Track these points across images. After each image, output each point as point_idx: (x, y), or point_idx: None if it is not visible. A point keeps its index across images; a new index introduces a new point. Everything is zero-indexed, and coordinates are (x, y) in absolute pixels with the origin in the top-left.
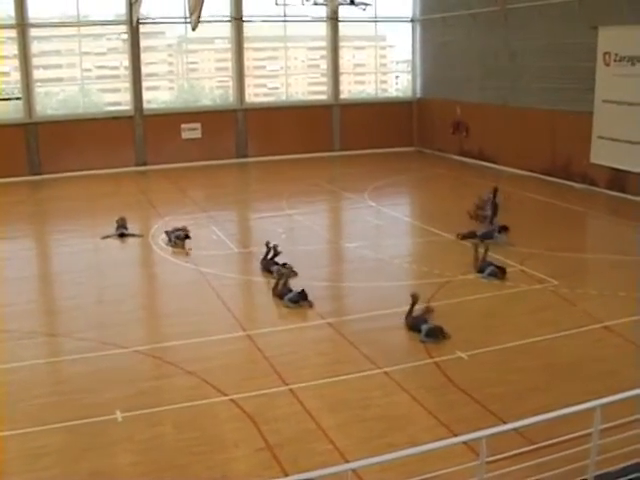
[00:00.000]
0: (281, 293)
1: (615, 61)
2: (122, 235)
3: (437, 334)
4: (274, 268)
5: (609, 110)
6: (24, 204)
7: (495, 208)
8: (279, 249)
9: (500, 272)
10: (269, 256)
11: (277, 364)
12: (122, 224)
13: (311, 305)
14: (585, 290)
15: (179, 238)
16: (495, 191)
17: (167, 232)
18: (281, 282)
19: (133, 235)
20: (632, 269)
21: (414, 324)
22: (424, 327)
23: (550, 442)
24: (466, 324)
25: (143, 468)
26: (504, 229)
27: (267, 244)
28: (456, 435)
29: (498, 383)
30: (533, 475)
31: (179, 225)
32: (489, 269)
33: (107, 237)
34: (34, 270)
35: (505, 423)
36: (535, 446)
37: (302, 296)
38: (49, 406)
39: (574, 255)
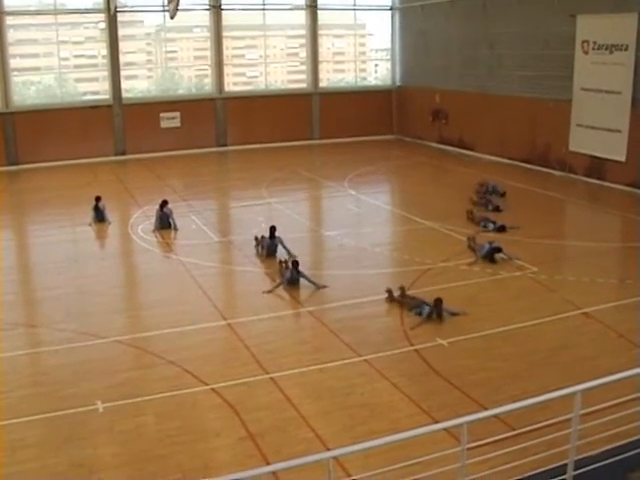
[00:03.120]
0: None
1: (593, 49)
2: (97, 212)
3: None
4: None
5: (588, 98)
6: (2, 194)
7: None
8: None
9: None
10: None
11: (258, 353)
12: (98, 204)
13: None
14: (564, 277)
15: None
16: (503, 194)
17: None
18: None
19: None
20: (610, 256)
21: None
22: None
23: (531, 428)
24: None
25: (124, 458)
26: (502, 228)
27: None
28: (438, 422)
29: (479, 370)
30: (514, 460)
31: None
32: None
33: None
34: (13, 261)
35: (486, 409)
36: (516, 432)
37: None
38: (29, 397)
39: (553, 242)
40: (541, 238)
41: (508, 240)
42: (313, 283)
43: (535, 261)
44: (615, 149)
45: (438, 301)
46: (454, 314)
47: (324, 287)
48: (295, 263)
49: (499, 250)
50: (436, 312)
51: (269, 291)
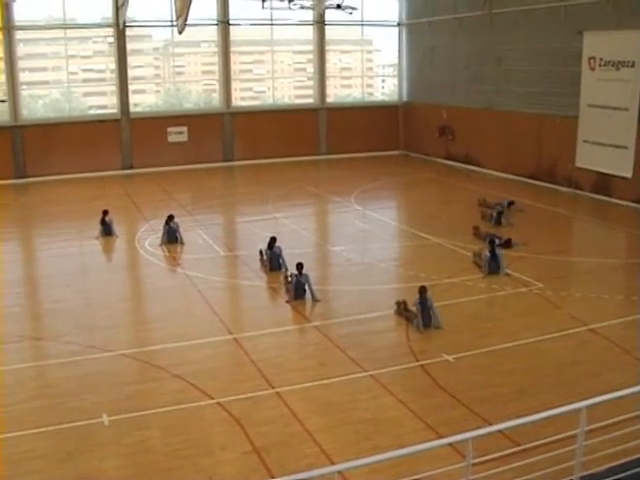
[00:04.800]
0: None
1: (600, 66)
2: (104, 226)
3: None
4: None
5: (594, 114)
6: (9, 207)
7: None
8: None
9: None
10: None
11: (264, 367)
12: (105, 218)
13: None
14: (570, 293)
15: None
16: (511, 202)
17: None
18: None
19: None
20: (616, 272)
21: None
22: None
23: (536, 443)
24: (452, 327)
25: (129, 472)
26: (508, 243)
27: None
28: (443, 437)
29: (484, 386)
30: (519, 476)
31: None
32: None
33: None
34: (20, 273)
35: (491, 425)
36: (521, 447)
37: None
38: (35, 410)
39: (559, 258)
40: (547, 254)
41: (514, 256)
42: (311, 292)
43: (541, 277)
44: (622, 165)
45: (422, 289)
46: (436, 326)
47: (317, 301)
48: (300, 265)
49: (493, 241)
50: (421, 301)
51: (287, 301)
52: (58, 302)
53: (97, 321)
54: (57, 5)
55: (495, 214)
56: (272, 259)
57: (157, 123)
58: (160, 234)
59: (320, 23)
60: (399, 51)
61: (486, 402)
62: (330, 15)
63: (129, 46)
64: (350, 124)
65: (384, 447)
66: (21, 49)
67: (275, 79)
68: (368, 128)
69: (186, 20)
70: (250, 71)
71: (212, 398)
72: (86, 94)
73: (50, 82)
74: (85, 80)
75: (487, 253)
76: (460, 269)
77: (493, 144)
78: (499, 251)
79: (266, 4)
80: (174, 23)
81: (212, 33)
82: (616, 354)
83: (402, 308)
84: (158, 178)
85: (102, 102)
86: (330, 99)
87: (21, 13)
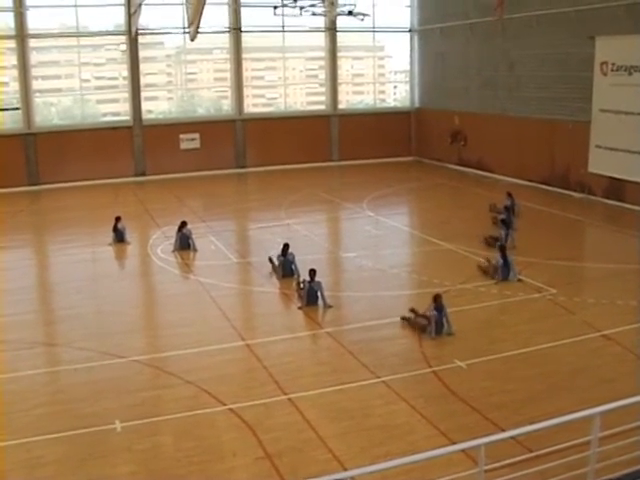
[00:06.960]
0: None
1: (612, 71)
2: (117, 232)
3: None
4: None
5: (607, 119)
6: (23, 214)
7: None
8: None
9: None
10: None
11: (276, 373)
12: (117, 224)
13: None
14: (583, 299)
15: None
16: (509, 194)
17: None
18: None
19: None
20: (629, 278)
21: None
22: None
23: (549, 450)
24: (465, 333)
25: (142, 478)
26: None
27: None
28: (455, 443)
29: (497, 392)
30: None
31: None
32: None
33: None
34: (33, 280)
35: (504, 431)
36: (534, 454)
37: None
38: (48, 416)
39: (572, 264)
40: (560, 260)
41: (527, 262)
42: (323, 299)
43: (554, 283)
44: (634, 170)
45: (438, 296)
46: (449, 333)
47: (330, 307)
48: (312, 272)
49: (504, 247)
50: (437, 308)
51: (300, 307)
52: (71, 308)
53: (110, 327)
54: (70, 13)
55: (500, 220)
56: (285, 265)
57: (169, 130)
58: (172, 241)
59: (332, 30)
60: (411, 57)
61: (499, 408)
62: (342, 22)
63: (141, 53)
64: (362, 130)
65: (397, 453)
66: (34, 57)
67: (287, 86)
68: (380, 134)
69: (198, 27)
70: (262, 78)
71: (224, 404)
72: (99, 101)
73: (63, 90)
74: (98, 87)
75: (499, 259)
76: (472, 275)
77: (505, 150)
78: (510, 257)
79: (278, 11)
80: (186, 30)
81: (224, 40)
82: (630, 360)
83: (413, 318)
84: (170, 185)
85: (115, 109)
86: (342, 105)
87: (34, 21)
